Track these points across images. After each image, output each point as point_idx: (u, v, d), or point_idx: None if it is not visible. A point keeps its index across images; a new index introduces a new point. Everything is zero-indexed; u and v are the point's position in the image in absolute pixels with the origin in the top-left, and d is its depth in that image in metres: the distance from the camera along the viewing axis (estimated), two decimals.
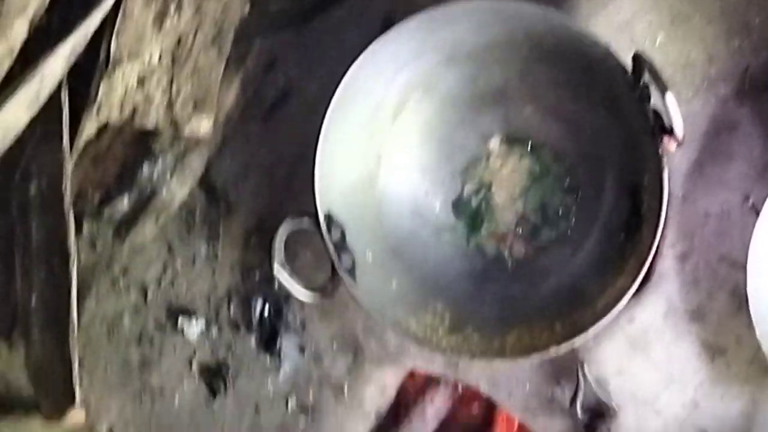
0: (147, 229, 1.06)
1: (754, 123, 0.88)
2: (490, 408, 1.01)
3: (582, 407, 0.89)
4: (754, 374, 0.88)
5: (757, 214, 0.87)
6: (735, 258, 0.88)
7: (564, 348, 0.83)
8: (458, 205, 0.96)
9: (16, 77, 0.86)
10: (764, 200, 0.86)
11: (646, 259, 0.80)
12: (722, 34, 0.91)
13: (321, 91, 1.03)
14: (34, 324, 0.97)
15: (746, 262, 0.85)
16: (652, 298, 0.88)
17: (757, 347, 0.84)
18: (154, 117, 0.91)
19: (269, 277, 1.04)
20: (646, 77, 0.79)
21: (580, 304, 0.86)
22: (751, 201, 0.88)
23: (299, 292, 0.89)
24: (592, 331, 0.82)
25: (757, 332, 0.82)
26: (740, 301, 0.87)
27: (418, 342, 0.87)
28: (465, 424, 1.06)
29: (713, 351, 0.89)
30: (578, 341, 0.83)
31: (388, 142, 0.95)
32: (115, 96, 0.90)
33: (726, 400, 0.89)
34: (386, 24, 1.01)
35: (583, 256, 0.90)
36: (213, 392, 1.06)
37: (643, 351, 0.89)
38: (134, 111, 0.91)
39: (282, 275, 0.88)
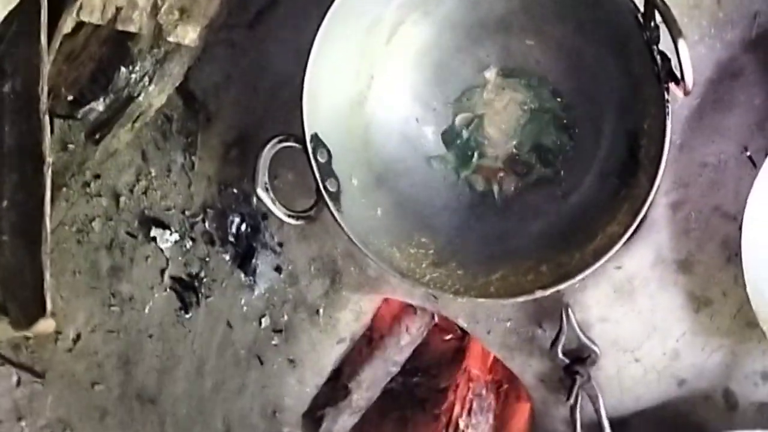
0: (122, 135, 1.03)
1: (758, 71, 0.86)
2: (465, 338, 1.01)
3: (563, 350, 0.88)
4: (737, 328, 0.88)
5: (754, 165, 0.86)
6: (728, 209, 0.87)
7: (549, 292, 0.82)
8: (449, 135, 0.94)
9: None
10: (762, 151, 0.85)
11: (641, 207, 0.79)
12: None
13: (310, 1, 0.99)
14: (4, 228, 0.94)
15: (739, 214, 0.84)
16: (641, 246, 0.87)
17: (743, 301, 0.84)
18: (137, 21, 0.87)
19: (248, 193, 1.01)
20: (658, 19, 0.76)
21: (569, 247, 0.85)
22: (748, 152, 0.86)
23: (283, 214, 0.86)
24: (579, 277, 0.80)
25: (747, 285, 0.82)
26: (730, 253, 0.87)
27: (401, 275, 0.85)
28: (439, 352, 1.06)
29: (698, 302, 0.89)
30: (564, 286, 0.81)
31: (381, 64, 0.92)
32: None
33: (707, 351, 0.89)
34: None
35: (575, 198, 0.89)
36: (185, 305, 1.05)
37: (628, 298, 0.89)
38: (117, 13, 0.87)
39: (265, 199, 0.85)
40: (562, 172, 0.91)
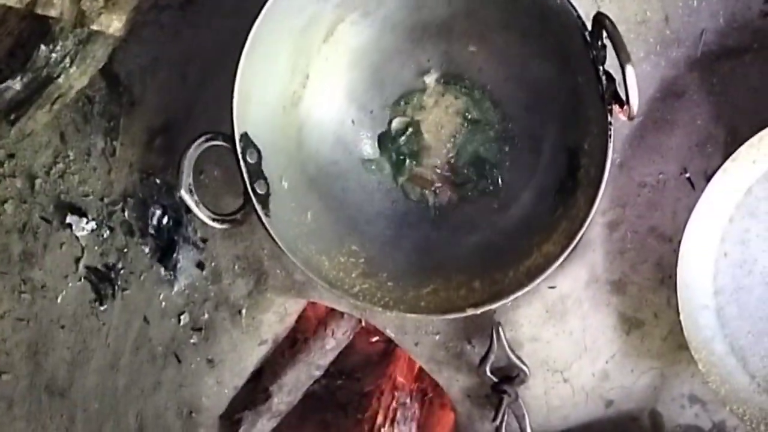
0: (39, 116, 0.98)
1: (701, 91, 0.85)
2: (390, 342, 0.99)
3: (491, 368, 0.87)
4: (667, 350, 0.88)
5: (693, 187, 0.85)
6: (664, 231, 0.86)
7: (481, 310, 0.80)
8: (384, 140, 0.90)
9: None
10: (701, 173, 0.84)
11: (578, 229, 0.77)
12: None
13: None
14: None
15: (675, 236, 0.84)
16: (576, 266, 0.86)
17: (674, 323, 0.84)
18: (58, 6, 0.82)
19: (171, 184, 0.98)
20: (605, 40, 0.74)
21: (503, 264, 0.83)
22: (688, 173, 0.86)
23: (207, 218, 0.82)
24: (512, 297, 0.79)
25: (680, 308, 0.81)
26: (663, 275, 0.86)
27: (329, 285, 0.82)
28: (365, 356, 1.04)
29: (630, 324, 0.88)
30: (496, 306, 0.79)
31: (318, 63, 0.88)
32: None
33: (636, 373, 0.89)
34: None
35: (511, 213, 0.87)
36: (100, 297, 1.01)
37: (560, 319, 0.88)
38: None
39: (189, 201, 0.81)
40: (499, 186, 0.89)
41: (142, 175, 0.98)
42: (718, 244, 0.83)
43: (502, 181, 0.89)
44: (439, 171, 0.90)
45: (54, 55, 0.94)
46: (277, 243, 0.82)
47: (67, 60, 0.94)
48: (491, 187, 0.89)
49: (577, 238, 0.78)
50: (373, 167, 0.90)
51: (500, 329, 0.86)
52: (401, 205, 0.90)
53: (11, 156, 1.02)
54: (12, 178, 1.02)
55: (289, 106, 0.87)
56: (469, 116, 0.89)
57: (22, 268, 1.02)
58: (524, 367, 0.87)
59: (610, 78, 0.76)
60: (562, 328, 0.87)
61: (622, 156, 0.86)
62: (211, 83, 0.95)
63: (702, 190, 0.80)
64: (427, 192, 0.90)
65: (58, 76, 0.95)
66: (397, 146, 0.90)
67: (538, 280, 0.79)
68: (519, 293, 0.80)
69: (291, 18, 0.82)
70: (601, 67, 0.76)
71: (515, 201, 0.87)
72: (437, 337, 0.91)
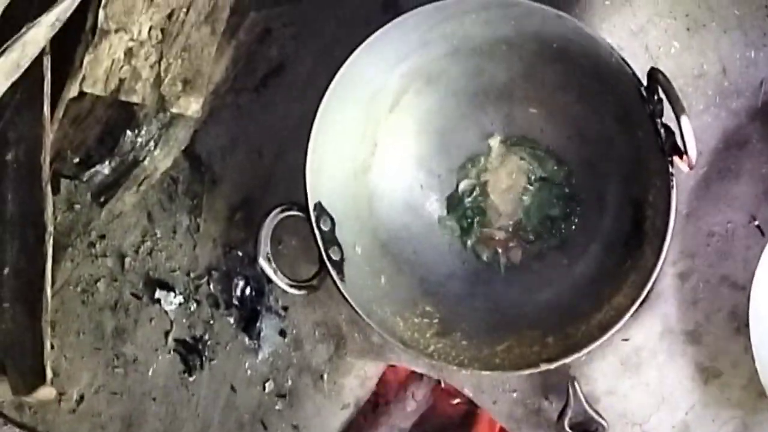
0: (127, 197, 1.03)
1: (764, 140, 0.86)
2: (472, 404, 0.99)
3: (570, 423, 0.86)
4: (747, 399, 0.86)
5: (762, 234, 0.85)
6: (736, 279, 0.86)
7: (555, 365, 0.81)
8: (452, 202, 0.93)
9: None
10: None
11: (647, 280, 0.78)
12: (738, 45, 0.88)
13: (315, 66, 1.00)
14: (5, 296, 0.94)
15: (747, 284, 0.83)
16: (648, 317, 0.86)
17: (753, 372, 0.83)
18: (140, 92, 0.87)
19: (252, 256, 1.01)
20: (661, 94, 0.75)
21: (575, 318, 0.83)
22: (756, 221, 0.85)
23: (285, 285, 0.86)
24: (586, 351, 0.79)
25: (755, 356, 0.81)
26: (739, 323, 0.86)
27: (405, 345, 0.84)
28: (446, 419, 1.04)
29: (707, 374, 0.87)
30: (570, 360, 0.80)
31: (385, 131, 0.91)
32: (100, 68, 0.86)
33: (717, 423, 0.87)
34: (387, 3, 0.97)
35: (580, 268, 0.88)
36: (189, 368, 1.04)
37: (636, 371, 0.87)
38: (120, 84, 0.87)
39: (267, 270, 0.84)
40: (567, 241, 0.90)
41: (225, 249, 1.01)
42: None
43: (569, 237, 0.89)
44: (507, 231, 0.92)
45: (139, 139, 0.99)
46: (353, 307, 0.84)
47: (152, 143, 0.99)
48: (559, 244, 0.90)
49: (647, 289, 0.78)
50: (442, 229, 0.92)
51: (576, 384, 0.86)
52: (472, 265, 0.92)
53: (102, 237, 1.07)
54: (103, 258, 1.06)
55: (360, 174, 0.90)
56: (534, 176, 0.90)
57: (115, 344, 1.06)
58: (603, 422, 0.87)
59: (669, 130, 0.78)
60: (639, 380, 0.87)
61: (688, 206, 0.86)
62: (285, 158, 0.99)
63: None
64: (496, 252, 0.91)
65: (144, 159, 0.99)
66: (464, 208, 0.92)
67: (610, 333, 0.80)
68: (592, 347, 0.80)
69: (358, 90, 0.86)
70: (659, 121, 0.77)
71: (584, 255, 0.88)
72: (515, 395, 0.92)
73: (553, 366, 0.81)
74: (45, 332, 0.88)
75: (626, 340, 0.87)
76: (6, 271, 0.92)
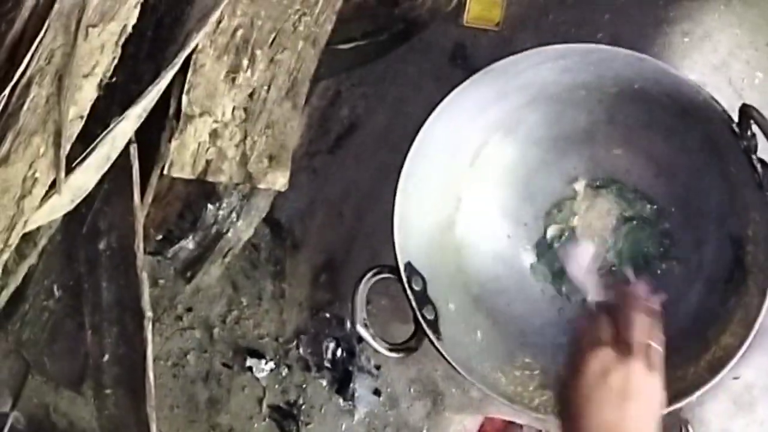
0: (212, 270, 1.04)
1: None
2: None
3: None
4: None
5: None
6: None
7: (666, 411, 0.79)
8: (542, 249, 0.92)
9: (84, 136, 0.83)
10: None
11: (755, 318, 0.76)
12: None
13: (387, 122, 1.00)
14: (106, 380, 0.95)
15: None
16: (757, 354, 0.85)
17: None
18: (227, 172, 0.88)
19: (340, 317, 1.01)
20: (754, 128, 0.74)
21: (682, 361, 0.82)
22: None
23: (385, 350, 0.85)
24: (696, 394, 0.78)
25: None
26: None
27: (509, 400, 0.83)
28: None
29: None
30: (681, 405, 0.79)
31: (467, 185, 0.91)
32: (186, 153, 0.87)
33: None
34: (455, 55, 0.97)
35: (683, 308, 0.86)
36: None
37: (749, 409, 0.86)
38: (207, 166, 0.88)
39: (366, 336, 0.84)
40: (666, 282, 0.88)
41: (312, 312, 1.02)
42: None
43: (667, 277, 0.88)
44: (601, 273, 0.91)
45: (221, 212, 1.00)
46: (452, 365, 0.84)
47: (234, 215, 1.00)
48: (658, 285, 0.88)
49: (756, 327, 0.77)
50: (534, 278, 0.92)
51: (690, 427, 0.84)
52: (568, 312, 0.91)
53: (189, 309, 1.08)
54: (191, 330, 1.07)
55: (446, 230, 0.90)
56: (623, 217, 0.89)
57: (210, 415, 1.06)
58: None
59: (765, 164, 0.76)
60: (753, 419, 0.86)
61: None
62: (365, 218, 0.99)
63: None
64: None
65: (227, 231, 1.00)
66: (554, 253, 0.91)
67: (720, 375, 0.78)
68: (703, 389, 0.79)
69: (439, 147, 0.86)
70: (754, 156, 0.76)
71: (684, 296, 0.87)
72: None
73: (664, 412, 0.80)
74: (150, 417, 0.89)
75: (737, 378, 0.85)
76: (106, 358, 0.93)
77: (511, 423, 0.97)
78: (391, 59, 1.02)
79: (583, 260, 0.82)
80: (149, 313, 0.87)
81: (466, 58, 0.98)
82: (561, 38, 0.84)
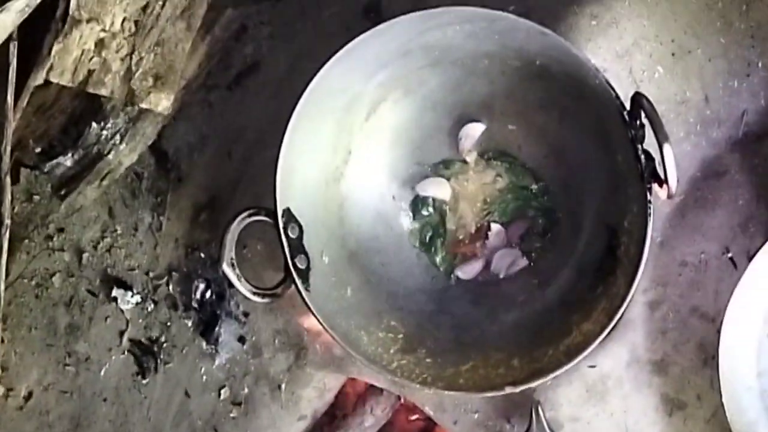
0: (88, 192, 1.00)
1: (743, 171, 0.85)
2: (430, 421, 0.98)
3: None
4: None
5: (735, 267, 0.84)
6: (706, 311, 0.86)
7: (520, 389, 0.79)
8: (416, 209, 0.93)
9: None
10: (744, 253, 0.83)
11: (618, 308, 0.77)
12: (722, 74, 0.87)
13: (291, 68, 0.99)
14: None
15: (717, 316, 0.83)
16: (616, 345, 0.86)
17: (717, 406, 0.83)
18: (109, 85, 0.85)
19: (215, 259, 0.99)
20: (644, 118, 0.74)
21: (543, 342, 0.82)
22: (730, 253, 0.85)
23: (248, 292, 0.83)
24: (552, 376, 0.78)
25: (723, 390, 0.81)
26: (706, 356, 0.85)
27: (368, 360, 0.82)
28: None
29: (672, 405, 0.87)
30: (535, 384, 0.79)
31: (359, 140, 0.90)
32: (69, 58, 0.83)
33: None
34: (369, 9, 0.95)
35: (551, 291, 0.87)
36: (142, 370, 1.02)
37: (601, 399, 0.86)
38: (89, 76, 0.85)
39: (231, 275, 0.82)
40: (538, 262, 0.88)
41: (187, 250, 0.99)
42: (761, 324, 0.82)
43: (541, 256, 0.88)
44: (477, 245, 0.90)
45: (105, 132, 0.97)
46: (317, 318, 0.83)
47: (118, 137, 0.97)
48: (530, 264, 0.88)
49: (617, 317, 0.77)
50: (412, 242, 0.91)
51: (540, 408, 0.85)
52: (440, 282, 0.90)
53: (61, 230, 1.05)
54: (60, 252, 1.04)
55: (332, 182, 0.89)
56: (511, 185, 0.89)
57: (68, 341, 1.04)
58: None
59: (650, 157, 0.77)
60: (603, 409, 0.86)
61: (663, 235, 0.86)
62: (255, 160, 0.97)
63: (744, 270, 0.79)
64: (454, 261, 0.90)
65: (108, 153, 0.97)
66: (434, 221, 0.90)
67: (577, 359, 0.79)
68: (558, 372, 0.79)
69: (334, 97, 0.84)
70: (640, 146, 0.76)
71: (555, 278, 0.87)
72: (476, 416, 0.90)
73: (517, 389, 0.80)
74: None
75: (593, 366, 0.86)
76: None
77: (372, 386, 0.96)
78: (303, 2, 0.99)
79: (473, 136, 0.86)
80: (7, 221, 0.83)
81: (380, 12, 0.96)
82: (474, 3, 0.82)
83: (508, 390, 0.80)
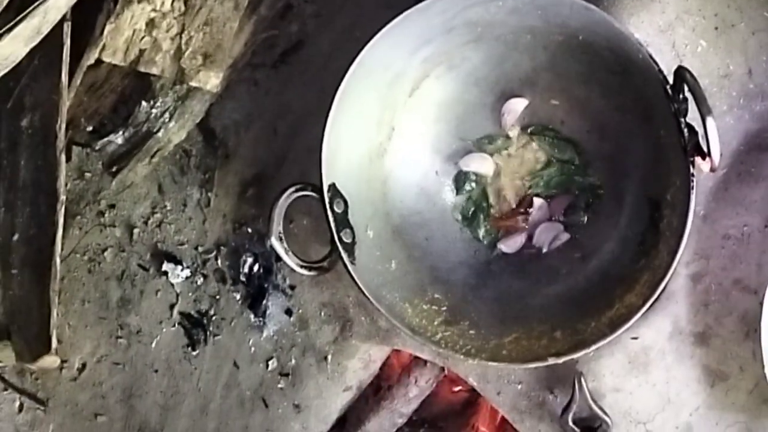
0: (139, 169, 1.03)
1: None
2: (473, 392, 0.99)
3: (574, 419, 0.86)
4: (752, 404, 0.86)
5: None
6: (749, 284, 0.86)
7: (563, 360, 0.80)
8: (459, 184, 0.94)
9: (18, 7, 0.81)
10: None
11: (660, 280, 0.78)
12: (766, 47, 0.87)
13: (335, 45, 0.99)
14: (14, 260, 0.94)
15: (760, 289, 0.83)
16: (659, 317, 0.86)
17: (760, 377, 0.83)
18: (160, 64, 0.87)
19: (262, 233, 1.01)
20: (686, 92, 0.75)
21: (585, 314, 0.83)
22: None
23: (295, 265, 0.85)
24: (594, 347, 0.79)
25: (765, 361, 0.81)
26: (748, 328, 0.86)
27: (412, 332, 0.84)
28: (447, 405, 1.04)
29: (714, 376, 0.87)
30: (578, 356, 0.80)
31: (403, 116, 0.91)
32: (120, 38, 0.85)
33: (720, 426, 0.87)
34: None
35: (594, 263, 0.87)
36: (192, 342, 1.04)
37: (643, 370, 0.87)
38: (140, 55, 0.87)
39: (278, 249, 0.84)
40: (582, 235, 0.89)
41: (235, 225, 1.01)
42: None
43: (584, 229, 0.89)
44: (520, 219, 0.91)
45: (154, 110, 0.99)
46: (362, 290, 0.84)
47: (167, 115, 0.99)
48: (573, 237, 0.89)
49: (660, 289, 0.78)
50: (455, 217, 0.92)
51: (582, 379, 0.86)
52: (483, 255, 0.92)
53: (112, 206, 1.07)
54: (112, 228, 1.06)
55: (375, 158, 0.90)
56: (555, 158, 0.90)
57: (120, 314, 1.06)
58: (607, 418, 0.86)
59: (693, 130, 0.77)
60: (645, 380, 0.87)
61: (705, 208, 0.86)
62: (300, 137, 0.98)
63: None
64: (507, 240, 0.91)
65: (158, 131, 0.99)
66: (478, 195, 0.92)
67: (620, 331, 0.79)
68: (601, 343, 0.80)
69: (378, 73, 0.85)
70: (683, 120, 0.77)
71: (597, 251, 0.88)
72: (519, 387, 0.92)
73: (560, 361, 0.81)
74: (53, 301, 0.88)
75: (635, 338, 0.87)
76: (16, 237, 0.91)
77: (417, 358, 0.98)
78: None
79: (516, 111, 0.87)
80: (63, 197, 0.86)
81: None
82: None
83: (551, 361, 0.81)
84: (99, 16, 0.85)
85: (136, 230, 1.06)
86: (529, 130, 0.91)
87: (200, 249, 1.03)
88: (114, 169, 1.02)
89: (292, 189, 0.85)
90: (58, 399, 1.08)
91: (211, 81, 0.87)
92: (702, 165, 0.76)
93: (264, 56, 1.02)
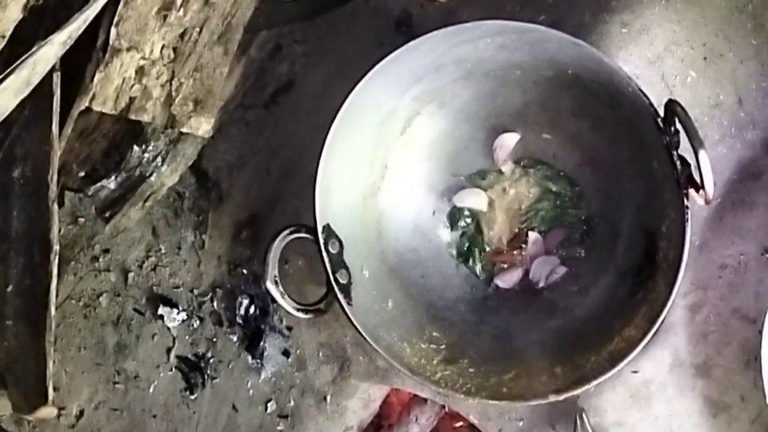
0: (132, 213, 1.02)
1: None
2: (474, 428, 0.99)
3: None
4: None
5: None
6: (747, 312, 0.86)
7: (563, 396, 0.80)
8: (453, 220, 0.94)
9: (7, 59, 0.81)
10: None
11: (659, 313, 0.77)
12: (755, 76, 0.87)
13: (326, 84, 1.00)
14: (8, 311, 0.93)
15: (759, 317, 0.83)
16: (659, 349, 0.86)
17: (762, 406, 0.83)
18: (151, 112, 0.86)
19: (258, 274, 1.00)
20: (678, 125, 0.75)
21: (585, 349, 0.83)
22: None
23: (292, 309, 0.85)
24: (595, 383, 0.78)
25: (766, 390, 0.80)
26: (749, 357, 0.85)
27: (411, 372, 0.84)
28: None
29: (716, 408, 0.87)
30: (579, 392, 0.79)
31: (395, 154, 0.91)
32: (110, 87, 0.85)
33: None
34: (400, 23, 0.96)
35: (591, 297, 0.87)
36: (190, 386, 1.03)
37: (645, 403, 0.87)
38: (130, 103, 0.86)
39: (274, 293, 0.84)
40: (578, 269, 0.89)
41: (230, 267, 1.01)
42: None
43: (581, 263, 0.89)
44: (515, 254, 0.91)
45: (146, 155, 0.98)
46: (359, 332, 0.84)
47: (159, 159, 0.98)
48: (570, 271, 0.89)
49: (659, 321, 0.78)
50: (450, 254, 0.92)
51: (584, 415, 0.85)
52: (480, 291, 0.91)
53: (106, 251, 1.06)
54: (107, 273, 1.06)
55: (369, 197, 0.90)
56: (549, 190, 0.91)
57: (116, 360, 1.05)
58: None
59: (685, 162, 0.77)
60: (647, 413, 0.86)
61: (701, 238, 0.86)
62: (294, 176, 0.98)
63: None
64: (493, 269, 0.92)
65: (151, 175, 0.99)
66: (472, 232, 0.91)
67: (620, 365, 0.79)
68: (601, 379, 0.80)
69: (369, 112, 0.85)
70: (675, 152, 0.77)
71: (595, 285, 0.88)
72: (521, 424, 0.91)
73: (561, 398, 0.81)
74: (48, 352, 0.87)
75: (636, 372, 0.86)
76: (10, 288, 0.91)
77: (417, 395, 0.97)
78: (335, 19, 1.01)
79: (508, 146, 0.87)
80: (56, 246, 0.85)
81: (412, 26, 0.97)
82: (505, 16, 0.83)
83: (552, 398, 0.81)
84: (88, 66, 0.84)
85: (131, 274, 1.05)
86: (521, 165, 0.91)
87: (196, 291, 1.03)
88: (107, 214, 1.02)
89: (287, 231, 0.85)
90: None
91: (203, 127, 0.87)
92: (696, 197, 0.76)
93: (255, 97, 1.02)
